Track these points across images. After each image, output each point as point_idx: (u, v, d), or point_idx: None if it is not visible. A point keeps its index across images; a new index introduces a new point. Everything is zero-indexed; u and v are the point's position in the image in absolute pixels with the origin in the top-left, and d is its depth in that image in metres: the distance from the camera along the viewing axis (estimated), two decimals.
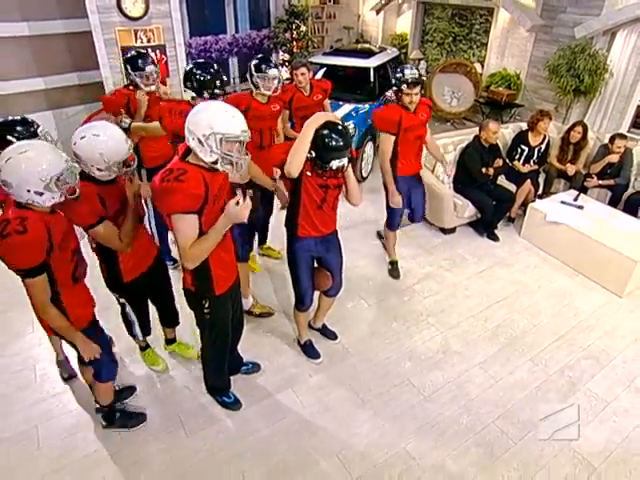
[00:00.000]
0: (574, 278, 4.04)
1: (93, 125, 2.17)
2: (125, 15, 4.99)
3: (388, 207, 3.75)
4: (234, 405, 2.77)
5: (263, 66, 3.21)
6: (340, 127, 2.42)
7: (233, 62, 7.44)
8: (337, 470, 2.47)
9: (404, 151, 3.50)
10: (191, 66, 2.95)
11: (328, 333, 3.31)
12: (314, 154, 2.38)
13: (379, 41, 8.73)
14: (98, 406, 2.59)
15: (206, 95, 2.89)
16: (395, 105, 3.44)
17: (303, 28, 7.47)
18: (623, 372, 3.13)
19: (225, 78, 3.04)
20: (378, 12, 8.52)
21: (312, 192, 2.55)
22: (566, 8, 6.02)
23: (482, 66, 7.44)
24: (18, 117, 2.32)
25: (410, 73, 3.27)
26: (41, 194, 1.84)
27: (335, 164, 2.39)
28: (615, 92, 5.79)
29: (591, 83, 5.64)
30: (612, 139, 4.57)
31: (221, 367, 2.63)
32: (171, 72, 5.53)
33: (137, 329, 2.79)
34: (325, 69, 6.08)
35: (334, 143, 2.34)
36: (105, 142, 2.10)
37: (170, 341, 3.11)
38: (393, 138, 3.44)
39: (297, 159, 2.38)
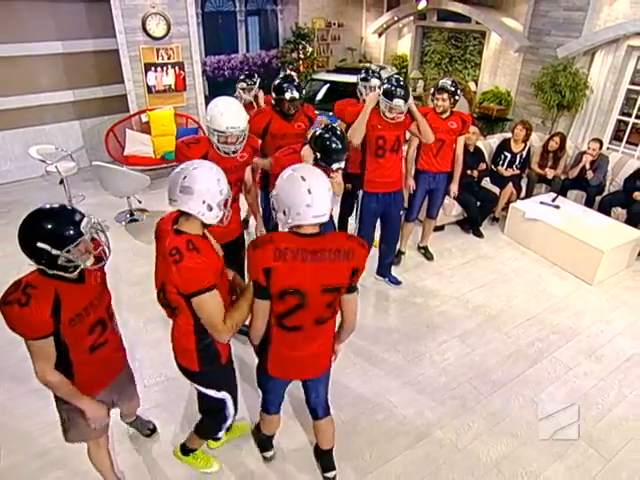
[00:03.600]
0: (550, 269, 4.45)
1: None
2: (149, 35, 5.59)
3: (408, 199, 4.21)
4: None
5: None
6: (340, 134, 2.72)
7: None
8: None
9: (424, 147, 3.97)
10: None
11: None
12: (319, 156, 2.70)
13: (381, 61, 9.32)
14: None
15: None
16: (429, 107, 3.97)
17: (309, 49, 8.06)
18: (586, 345, 3.52)
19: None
20: (380, 35, 9.13)
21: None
22: (550, 31, 6.57)
23: (476, 84, 7.98)
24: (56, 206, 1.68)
25: (442, 82, 3.80)
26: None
27: (335, 166, 2.71)
28: (595, 107, 6.26)
29: (572, 98, 6.12)
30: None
31: None
32: (188, 86, 6.11)
33: (230, 418, 2.23)
34: (328, 85, 6.65)
35: (334, 154, 2.66)
36: None
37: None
38: None
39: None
